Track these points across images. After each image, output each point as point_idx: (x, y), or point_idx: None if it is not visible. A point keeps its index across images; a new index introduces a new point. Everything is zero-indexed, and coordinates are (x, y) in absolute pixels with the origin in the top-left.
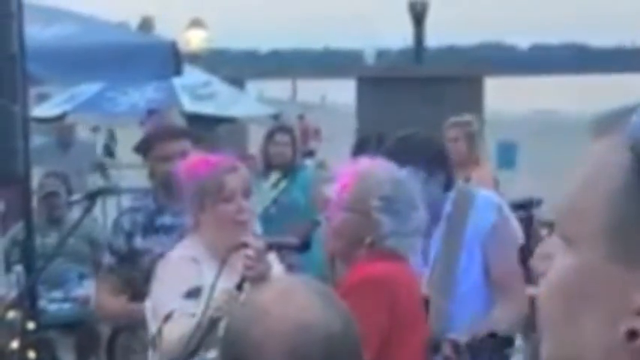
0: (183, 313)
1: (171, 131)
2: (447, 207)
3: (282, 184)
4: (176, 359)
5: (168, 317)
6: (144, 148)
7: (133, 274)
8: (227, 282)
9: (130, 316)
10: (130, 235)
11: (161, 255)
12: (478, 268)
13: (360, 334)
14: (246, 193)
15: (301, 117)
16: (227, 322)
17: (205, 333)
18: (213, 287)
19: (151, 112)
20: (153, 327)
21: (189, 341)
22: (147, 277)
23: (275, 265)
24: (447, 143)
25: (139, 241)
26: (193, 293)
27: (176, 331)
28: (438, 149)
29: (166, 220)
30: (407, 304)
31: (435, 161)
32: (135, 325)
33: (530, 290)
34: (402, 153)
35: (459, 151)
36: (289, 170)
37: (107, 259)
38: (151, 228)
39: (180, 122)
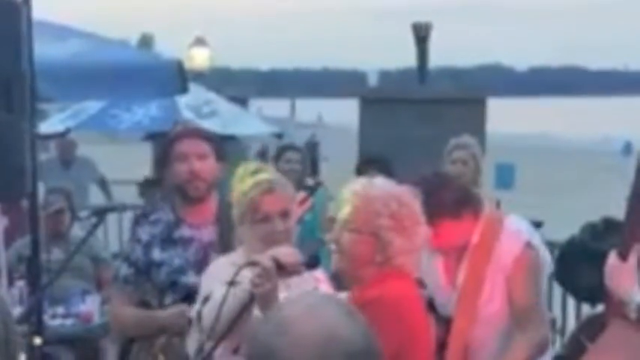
0: (218, 295)
1: (189, 131)
2: (475, 236)
3: None
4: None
5: (206, 299)
6: (165, 150)
7: (149, 286)
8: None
9: (145, 326)
10: (147, 247)
11: (179, 267)
12: (501, 298)
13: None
14: (285, 213)
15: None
16: (252, 335)
17: (240, 310)
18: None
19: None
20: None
21: (221, 315)
22: (162, 289)
23: (321, 284)
24: (451, 165)
25: (157, 253)
26: (234, 284)
27: (211, 311)
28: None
29: (185, 232)
30: (416, 319)
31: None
32: (150, 336)
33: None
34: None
35: (465, 173)
36: (298, 189)
37: (124, 270)
38: (169, 240)
39: (206, 130)
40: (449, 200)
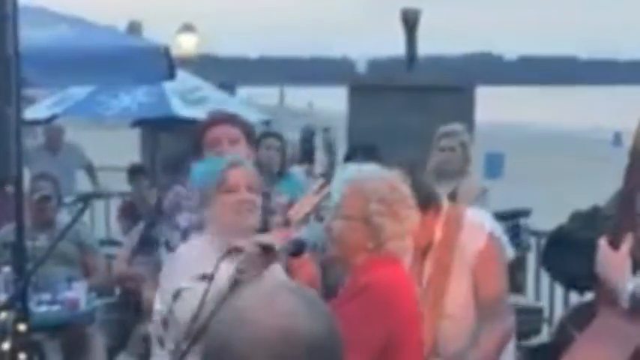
0: (195, 291)
1: (220, 116)
2: (437, 233)
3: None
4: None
5: (176, 295)
6: (195, 143)
7: None
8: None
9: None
10: (185, 233)
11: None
12: (468, 290)
13: (362, 339)
14: (251, 188)
15: (326, 130)
16: (210, 327)
17: (217, 305)
18: (210, 280)
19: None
20: (154, 322)
21: (199, 314)
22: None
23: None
24: (439, 153)
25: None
26: (205, 277)
27: (187, 308)
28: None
29: None
30: (407, 306)
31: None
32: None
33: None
34: None
35: (453, 160)
36: (278, 176)
37: (164, 256)
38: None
39: (239, 116)
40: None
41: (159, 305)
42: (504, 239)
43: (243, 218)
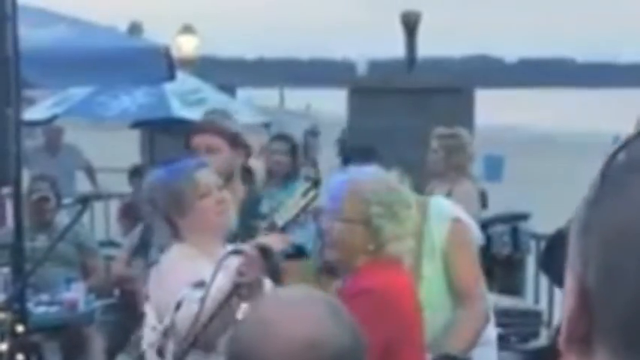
0: (192, 300)
1: (202, 125)
2: None
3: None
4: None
5: (178, 306)
6: (185, 141)
7: None
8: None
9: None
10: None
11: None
12: (440, 278)
13: (366, 344)
14: (219, 186)
15: (314, 133)
16: (232, 335)
17: (218, 308)
18: (208, 287)
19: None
20: (151, 336)
21: (198, 319)
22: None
23: None
24: (429, 154)
25: None
26: (199, 285)
27: (187, 316)
28: None
29: None
30: (408, 309)
31: None
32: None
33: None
34: None
35: (433, 162)
36: (288, 179)
37: (154, 257)
38: None
39: (234, 127)
40: None
41: (153, 320)
42: (472, 224)
43: (225, 218)
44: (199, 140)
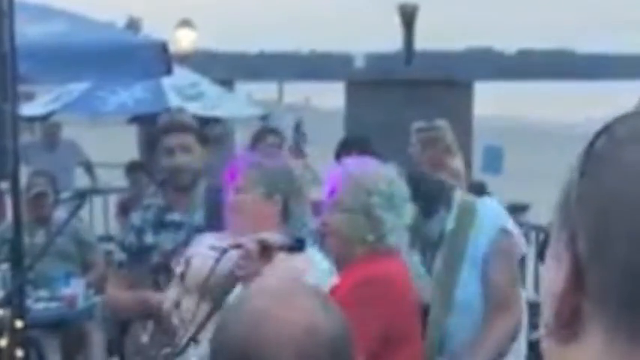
0: (201, 254)
1: (174, 124)
2: (450, 223)
3: None
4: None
5: (187, 262)
6: (152, 142)
7: (143, 269)
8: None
9: (143, 306)
10: (140, 231)
11: (172, 251)
12: (477, 282)
13: (365, 332)
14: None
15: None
16: (220, 326)
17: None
18: (207, 278)
19: (166, 110)
20: (174, 319)
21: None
22: (156, 270)
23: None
24: None
25: (149, 237)
26: (215, 249)
27: (199, 266)
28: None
29: (175, 216)
30: (406, 299)
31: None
32: (146, 317)
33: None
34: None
35: (411, 156)
36: None
37: (118, 255)
38: (160, 224)
39: (191, 122)
40: (421, 204)
41: (172, 294)
42: (518, 235)
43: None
44: (176, 141)
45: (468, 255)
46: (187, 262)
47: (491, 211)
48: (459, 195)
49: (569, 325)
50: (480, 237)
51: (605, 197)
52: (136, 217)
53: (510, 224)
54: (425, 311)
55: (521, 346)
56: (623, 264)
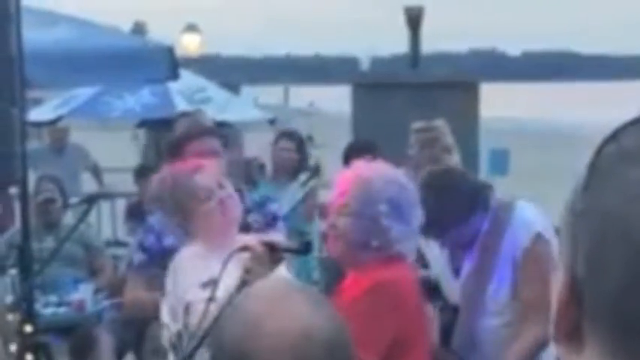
0: (199, 300)
1: (202, 130)
2: (485, 224)
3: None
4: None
5: (187, 310)
6: (175, 149)
7: (162, 272)
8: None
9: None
10: (160, 235)
11: None
12: (509, 288)
13: (371, 337)
14: (221, 183)
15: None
16: (216, 333)
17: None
18: (216, 284)
19: (182, 115)
20: (172, 326)
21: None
22: None
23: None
24: None
25: (169, 240)
26: (209, 284)
27: (198, 318)
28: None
29: None
30: (414, 305)
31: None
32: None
33: None
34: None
35: (410, 156)
36: (296, 175)
37: (138, 256)
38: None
39: (213, 125)
40: (460, 206)
41: (167, 318)
42: (553, 240)
43: (232, 213)
44: (206, 146)
45: (501, 257)
46: (187, 310)
47: (527, 214)
48: (496, 195)
49: (569, 336)
50: (515, 240)
51: (605, 217)
52: (155, 220)
53: (547, 230)
54: (454, 312)
55: (549, 355)
56: (616, 290)
